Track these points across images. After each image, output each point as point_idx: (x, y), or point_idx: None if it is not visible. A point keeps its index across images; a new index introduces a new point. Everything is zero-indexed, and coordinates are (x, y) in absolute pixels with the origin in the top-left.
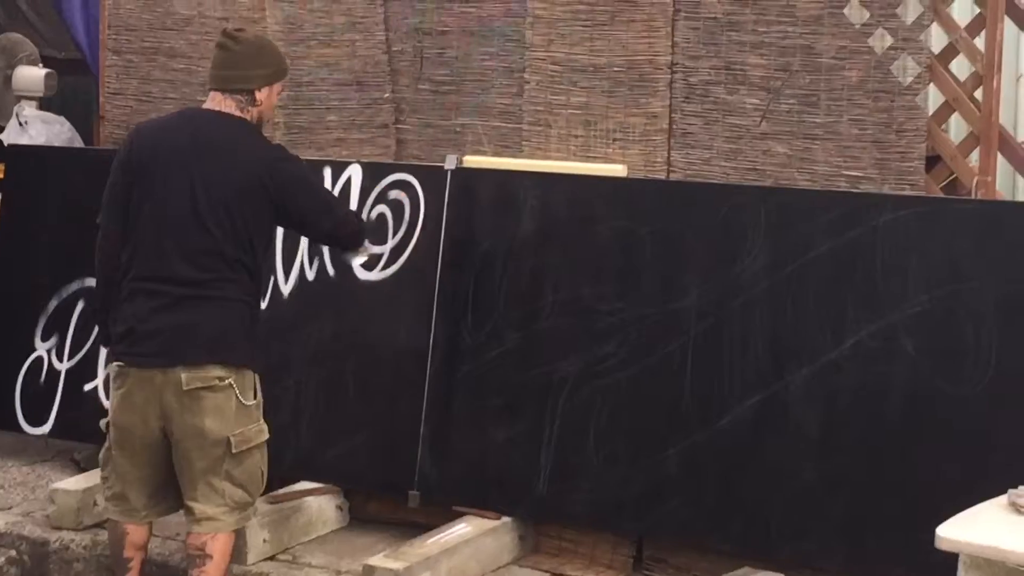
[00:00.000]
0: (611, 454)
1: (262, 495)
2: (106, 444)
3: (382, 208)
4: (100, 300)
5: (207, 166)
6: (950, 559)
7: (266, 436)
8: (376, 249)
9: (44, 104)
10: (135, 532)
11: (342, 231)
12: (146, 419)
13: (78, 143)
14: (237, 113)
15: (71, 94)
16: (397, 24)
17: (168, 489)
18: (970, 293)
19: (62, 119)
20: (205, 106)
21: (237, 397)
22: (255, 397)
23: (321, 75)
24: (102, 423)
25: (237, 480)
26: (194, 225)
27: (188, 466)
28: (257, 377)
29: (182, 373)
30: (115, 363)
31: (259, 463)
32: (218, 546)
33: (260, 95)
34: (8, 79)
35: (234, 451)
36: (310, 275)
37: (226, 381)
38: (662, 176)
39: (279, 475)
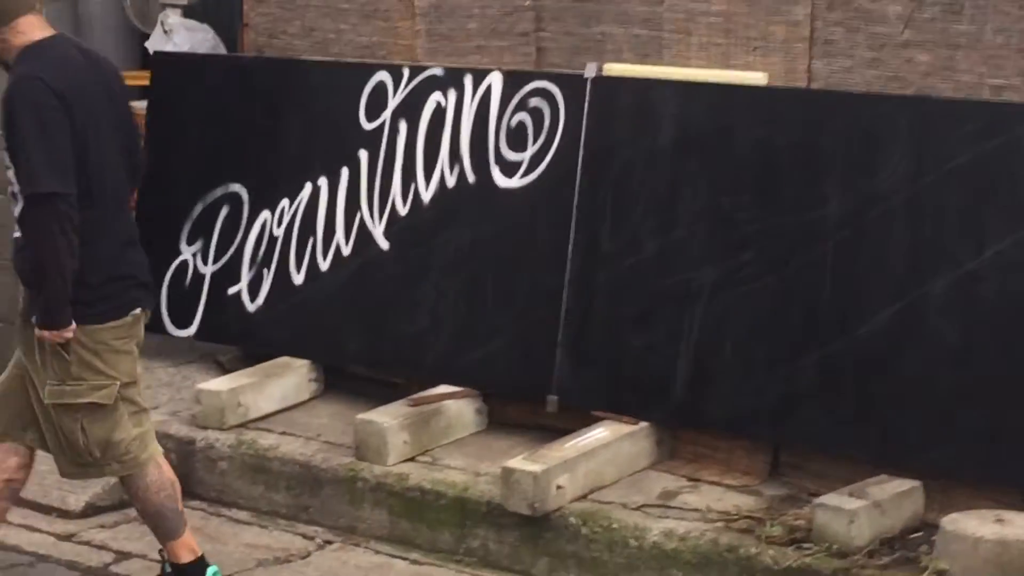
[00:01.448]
0: (748, 362)
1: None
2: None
3: (522, 116)
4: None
5: (117, 106)
6: None
7: (90, 399)
8: (516, 156)
9: (188, 12)
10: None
11: (29, 215)
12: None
13: (221, 51)
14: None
15: (213, 2)
16: None
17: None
18: None
19: (206, 27)
20: (55, 34)
21: (41, 345)
22: (71, 355)
23: None
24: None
25: (60, 433)
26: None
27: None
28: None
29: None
30: (139, 309)
31: (77, 427)
32: (135, 489)
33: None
34: None
35: (45, 400)
36: (450, 181)
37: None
38: (802, 85)
39: (419, 378)
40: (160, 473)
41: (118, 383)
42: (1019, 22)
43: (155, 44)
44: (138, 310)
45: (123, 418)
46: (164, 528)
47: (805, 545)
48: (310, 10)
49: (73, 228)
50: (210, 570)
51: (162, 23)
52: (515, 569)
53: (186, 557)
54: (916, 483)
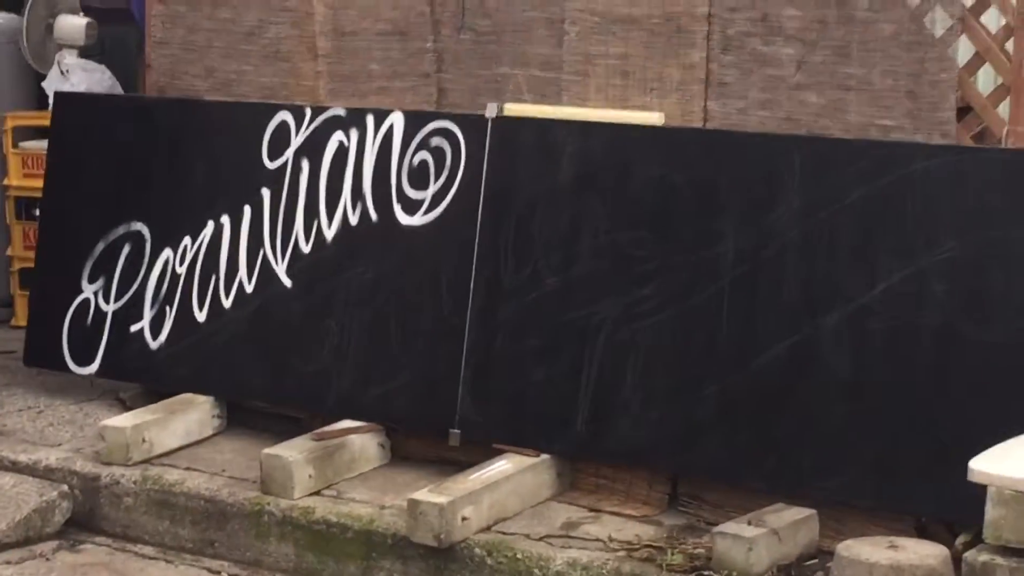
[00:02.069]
0: (647, 394)
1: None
2: None
3: (424, 155)
4: None
5: None
6: (977, 497)
7: None
8: (418, 194)
9: (84, 52)
10: None
11: None
12: None
13: (118, 91)
14: None
15: (110, 43)
16: None
17: None
18: (999, 240)
19: (103, 67)
20: None
21: None
22: None
23: (364, 25)
24: None
25: None
26: None
27: None
28: None
29: None
30: None
31: None
32: None
33: None
34: (50, 28)
35: None
36: (353, 219)
37: None
38: (699, 125)
39: (322, 414)
40: None
41: None
42: (906, 65)
43: (52, 84)
44: None
45: None
46: None
47: (705, 573)
48: (212, 51)
49: None
50: None
51: (59, 63)
52: None
53: None
54: (811, 511)
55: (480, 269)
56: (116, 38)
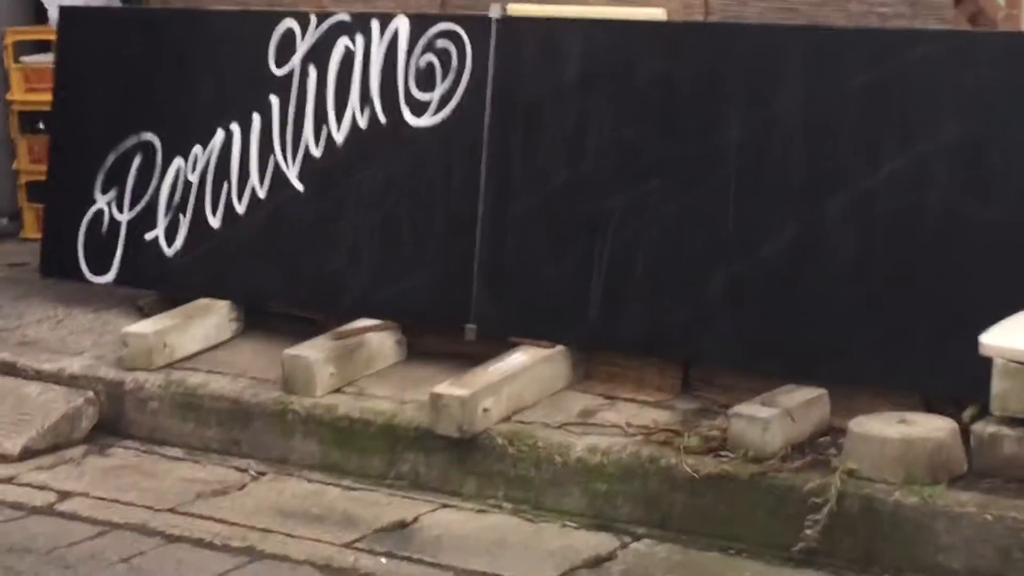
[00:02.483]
0: (657, 283)
1: (327, 332)
2: None
3: (429, 57)
4: None
5: None
6: (981, 373)
7: None
8: (425, 96)
9: None
10: None
11: None
12: None
13: (116, 3)
14: None
15: None
16: None
17: None
18: (997, 121)
19: None
20: None
21: None
22: None
23: None
24: None
25: None
26: None
27: None
28: None
29: None
30: None
31: None
32: None
33: None
34: None
35: None
36: (362, 123)
37: None
38: (700, 19)
39: (338, 314)
40: None
41: None
42: None
43: None
44: None
45: None
46: None
47: (722, 453)
48: None
49: None
50: None
51: None
52: (445, 490)
53: None
54: (822, 391)
55: (489, 168)
56: None
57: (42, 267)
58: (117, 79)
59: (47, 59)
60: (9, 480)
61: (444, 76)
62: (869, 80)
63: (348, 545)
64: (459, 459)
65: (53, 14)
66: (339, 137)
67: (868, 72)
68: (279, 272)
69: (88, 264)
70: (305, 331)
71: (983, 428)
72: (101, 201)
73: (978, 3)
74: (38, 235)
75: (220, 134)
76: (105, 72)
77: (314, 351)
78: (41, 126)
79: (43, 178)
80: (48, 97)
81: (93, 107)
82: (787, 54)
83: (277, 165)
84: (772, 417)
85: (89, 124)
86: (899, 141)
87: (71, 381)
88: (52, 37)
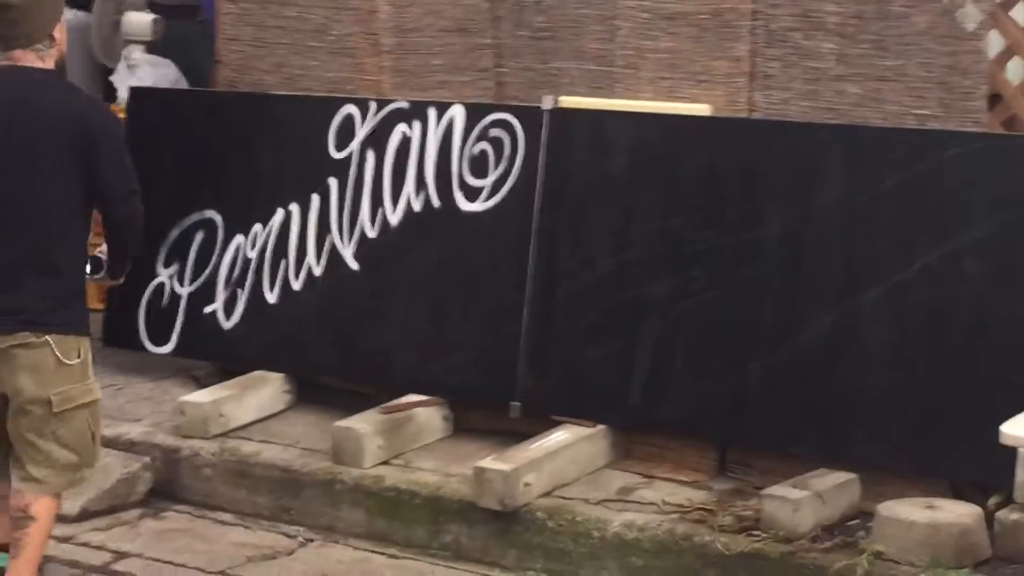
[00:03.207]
0: (697, 368)
1: (377, 406)
2: None
3: (483, 145)
4: None
5: (34, 124)
6: (1006, 460)
7: (94, 396)
8: (478, 182)
9: (151, 48)
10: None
11: (128, 223)
12: None
13: (183, 84)
14: (40, 64)
15: (174, 38)
16: None
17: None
18: None
19: (168, 62)
20: (6, 63)
21: (57, 356)
22: (78, 357)
23: (426, 22)
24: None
25: (63, 441)
26: (24, 187)
27: (14, 426)
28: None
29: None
30: None
31: (87, 424)
32: (42, 509)
33: (57, 34)
34: (117, 24)
35: (56, 410)
36: (416, 206)
37: (42, 338)
38: (744, 116)
39: (389, 389)
40: None
41: None
42: (939, 57)
43: (119, 79)
44: None
45: None
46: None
47: (754, 533)
48: (280, 48)
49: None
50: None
51: (126, 58)
52: (486, 561)
53: None
54: (852, 475)
55: (538, 251)
56: (180, 33)
57: (105, 337)
58: (182, 158)
59: None
60: (67, 539)
61: (497, 163)
62: (905, 178)
63: None
64: (500, 531)
65: (123, 94)
66: (394, 219)
67: (904, 170)
68: (332, 347)
69: (149, 335)
70: (356, 404)
71: (1007, 515)
72: (163, 275)
73: (1012, 107)
74: (100, 306)
75: (280, 213)
76: (171, 151)
77: (363, 424)
78: None
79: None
80: None
81: (158, 184)
82: (827, 152)
83: (333, 245)
84: (803, 499)
85: (154, 200)
86: (933, 237)
87: (129, 447)
88: (121, 115)
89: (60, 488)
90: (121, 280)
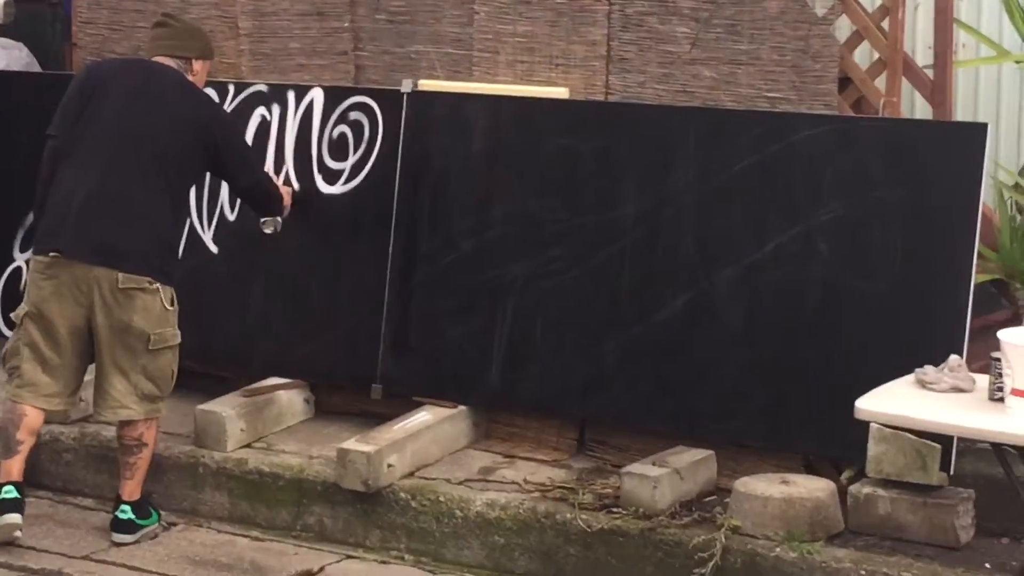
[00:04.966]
0: (556, 348)
1: (238, 389)
2: (17, 335)
3: (343, 128)
4: (41, 196)
5: (157, 100)
6: (857, 436)
7: (179, 340)
8: (338, 165)
9: (1, 31)
10: (34, 416)
11: (257, 190)
12: (76, 310)
13: (35, 68)
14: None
15: (26, 21)
16: None
17: (79, 378)
18: (876, 201)
19: (20, 45)
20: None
21: (162, 301)
22: (173, 305)
23: (284, 6)
24: (16, 314)
25: (150, 374)
26: (138, 147)
27: (109, 356)
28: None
29: (119, 273)
30: (51, 254)
31: (171, 363)
32: (151, 435)
33: (196, 65)
34: None
35: (151, 347)
36: None
37: (155, 285)
38: (600, 99)
39: (249, 373)
40: None
41: None
42: (791, 42)
43: None
44: None
45: None
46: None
47: (614, 510)
48: (138, 31)
49: None
50: None
51: None
52: (350, 541)
53: None
54: (709, 452)
55: (398, 234)
56: (32, 16)
57: None
58: (36, 141)
59: None
60: None
61: (356, 146)
62: (758, 160)
63: None
64: (364, 512)
65: None
66: None
67: (757, 152)
68: (193, 331)
69: (5, 320)
70: (216, 388)
71: (859, 489)
72: (19, 259)
73: (861, 91)
74: None
75: None
76: (25, 134)
77: (225, 407)
78: None
79: None
80: None
81: (14, 167)
82: (682, 134)
83: (193, 228)
84: (662, 476)
85: (7, 183)
86: (785, 217)
87: None
88: None
89: (143, 415)
90: (286, 212)
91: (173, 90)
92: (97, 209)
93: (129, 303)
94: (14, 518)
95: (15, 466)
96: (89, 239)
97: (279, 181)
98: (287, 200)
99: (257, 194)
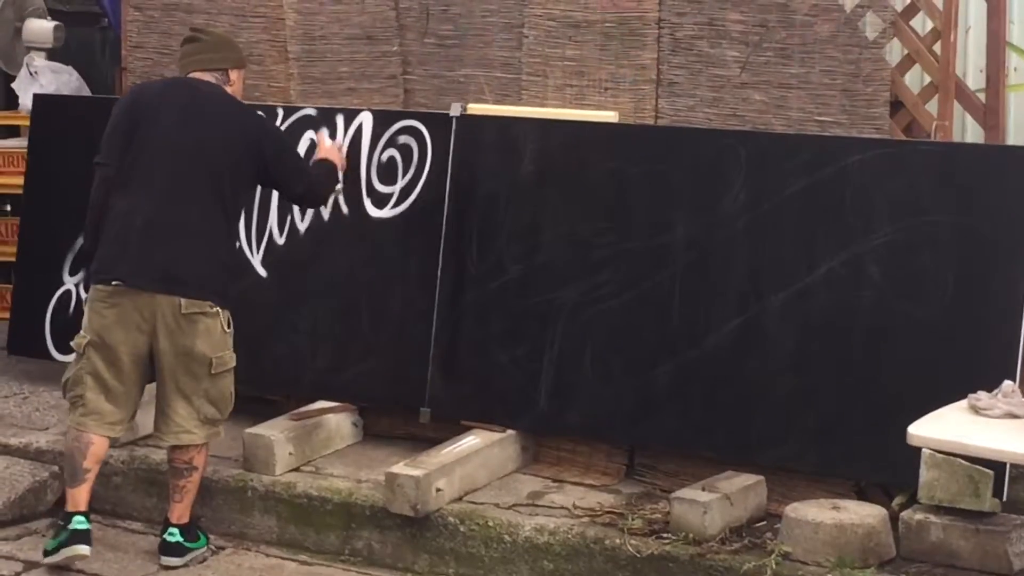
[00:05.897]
0: (605, 372)
1: (287, 413)
2: (79, 364)
3: (392, 152)
4: (94, 225)
5: (206, 118)
6: (910, 462)
7: (235, 362)
8: (386, 189)
9: (52, 55)
10: (100, 444)
11: (310, 194)
12: (138, 337)
13: (85, 91)
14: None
15: (76, 46)
16: None
17: (137, 404)
18: (928, 225)
19: (70, 69)
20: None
21: (222, 324)
22: (230, 327)
23: (333, 29)
24: (77, 342)
25: (211, 397)
26: (193, 168)
27: (171, 382)
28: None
29: (182, 299)
30: (114, 283)
31: (230, 385)
32: (201, 459)
33: (232, 76)
34: (18, 31)
35: (213, 371)
36: (325, 213)
37: (215, 308)
38: (650, 123)
39: (298, 396)
40: None
41: None
42: (842, 65)
43: (21, 86)
44: None
45: None
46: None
47: (664, 535)
48: None
49: None
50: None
51: (27, 65)
52: (398, 566)
53: None
54: (759, 477)
55: (447, 257)
56: (82, 40)
57: (9, 345)
58: (86, 165)
59: (17, 144)
60: None
61: (405, 170)
62: (808, 184)
63: None
64: (412, 537)
65: (25, 101)
66: (302, 226)
67: (807, 176)
68: (242, 354)
69: (55, 343)
70: (265, 411)
71: (911, 515)
72: (69, 283)
73: (912, 115)
74: (4, 315)
75: None
76: (75, 158)
77: (274, 431)
78: (8, 208)
79: (9, 259)
80: (16, 180)
81: (64, 191)
82: (732, 158)
83: (242, 252)
84: (712, 501)
85: (60, 207)
86: (836, 242)
87: (37, 456)
88: (23, 122)
89: (205, 439)
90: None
91: (219, 107)
92: (156, 236)
93: (192, 328)
94: (83, 550)
95: (82, 495)
96: (151, 267)
97: (324, 145)
98: (339, 164)
99: (311, 196)
